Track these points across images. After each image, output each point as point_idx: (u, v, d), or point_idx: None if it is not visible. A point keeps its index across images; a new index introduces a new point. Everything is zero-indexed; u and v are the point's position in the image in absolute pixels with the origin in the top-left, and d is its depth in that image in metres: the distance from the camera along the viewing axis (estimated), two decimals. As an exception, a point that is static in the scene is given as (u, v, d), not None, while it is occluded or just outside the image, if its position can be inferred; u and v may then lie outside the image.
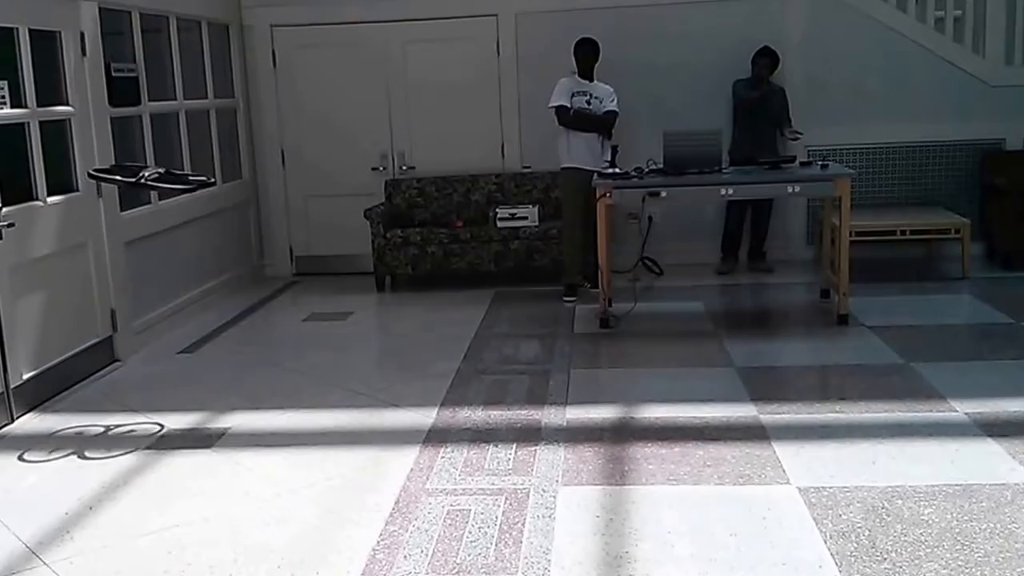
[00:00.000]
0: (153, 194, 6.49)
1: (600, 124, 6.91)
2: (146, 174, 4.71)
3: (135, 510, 3.82)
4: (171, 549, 3.46)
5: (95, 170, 5.04)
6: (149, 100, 6.50)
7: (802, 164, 6.31)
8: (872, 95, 7.78)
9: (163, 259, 6.61)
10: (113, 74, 6.00)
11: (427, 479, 3.96)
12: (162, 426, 4.74)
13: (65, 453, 4.44)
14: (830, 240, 6.58)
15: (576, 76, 6.96)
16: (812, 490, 3.71)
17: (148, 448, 4.45)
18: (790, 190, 6.07)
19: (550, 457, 4.14)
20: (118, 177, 4.91)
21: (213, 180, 5.70)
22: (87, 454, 4.41)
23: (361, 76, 8.11)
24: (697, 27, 7.79)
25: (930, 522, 3.42)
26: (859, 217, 6.91)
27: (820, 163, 6.27)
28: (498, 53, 8.02)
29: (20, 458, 4.41)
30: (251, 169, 8.28)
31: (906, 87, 7.77)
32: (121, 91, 6.10)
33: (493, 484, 3.89)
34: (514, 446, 4.28)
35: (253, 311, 7.25)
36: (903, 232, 7.25)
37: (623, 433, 4.40)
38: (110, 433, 4.71)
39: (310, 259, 8.42)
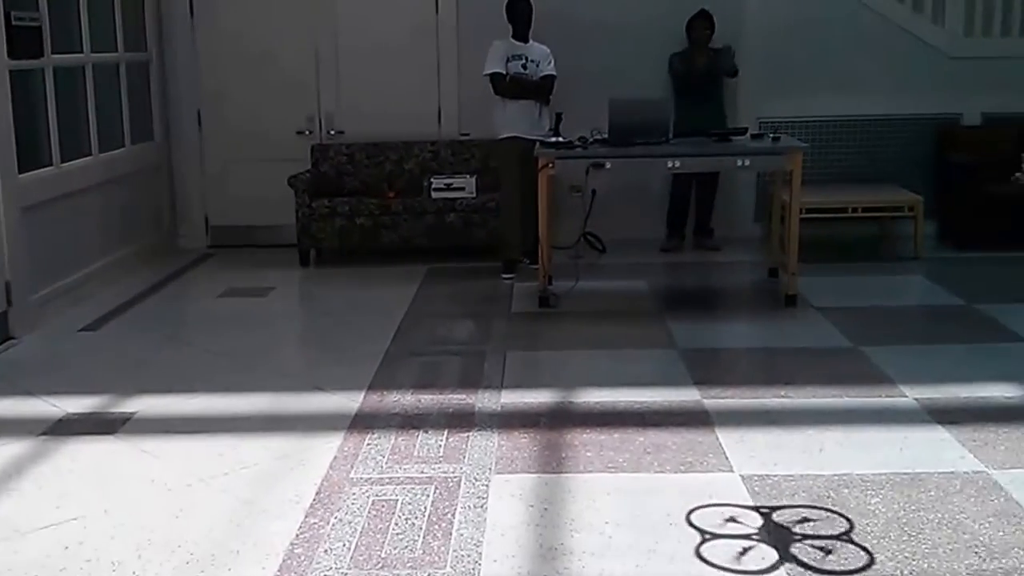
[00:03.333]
0: (56, 155, 6.33)
1: (538, 90, 6.89)
2: None
3: (30, 502, 3.72)
4: (69, 544, 3.38)
5: None
6: (53, 52, 6.30)
7: (753, 136, 6.35)
8: (827, 65, 7.86)
9: (65, 227, 6.44)
10: (13, 23, 5.80)
11: (351, 467, 3.92)
12: (61, 410, 4.63)
13: (-46, 438, 4.32)
14: (779, 217, 6.66)
15: (510, 38, 6.92)
16: (756, 478, 3.75)
17: (44, 434, 4.34)
18: (740, 163, 6.12)
19: (483, 444, 4.14)
20: None
21: None
22: (-22, 440, 4.29)
23: (286, 31, 7.97)
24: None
25: (877, 512, 3.48)
26: (810, 193, 6.97)
27: (772, 136, 6.32)
28: (437, 10, 7.93)
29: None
30: (164, 130, 8.10)
31: (862, 58, 7.86)
32: (22, 42, 5.90)
33: (422, 472, 3.87)
34: (445, 432, 4.26)
35: (164, 285, 7.12)
36: (855, 209, 7.38)
37: (560, 418, 4.41)
38: (2, 418, 4.58)
39: (228, 229, 8.28)
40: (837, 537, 3.33)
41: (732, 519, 3.46)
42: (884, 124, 7.99)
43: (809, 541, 3.31)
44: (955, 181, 7.55)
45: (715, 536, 3.36)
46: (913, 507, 3.51)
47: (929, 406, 4.46)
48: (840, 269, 7.08)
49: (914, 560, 3.16)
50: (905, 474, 3.77)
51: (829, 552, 3.24)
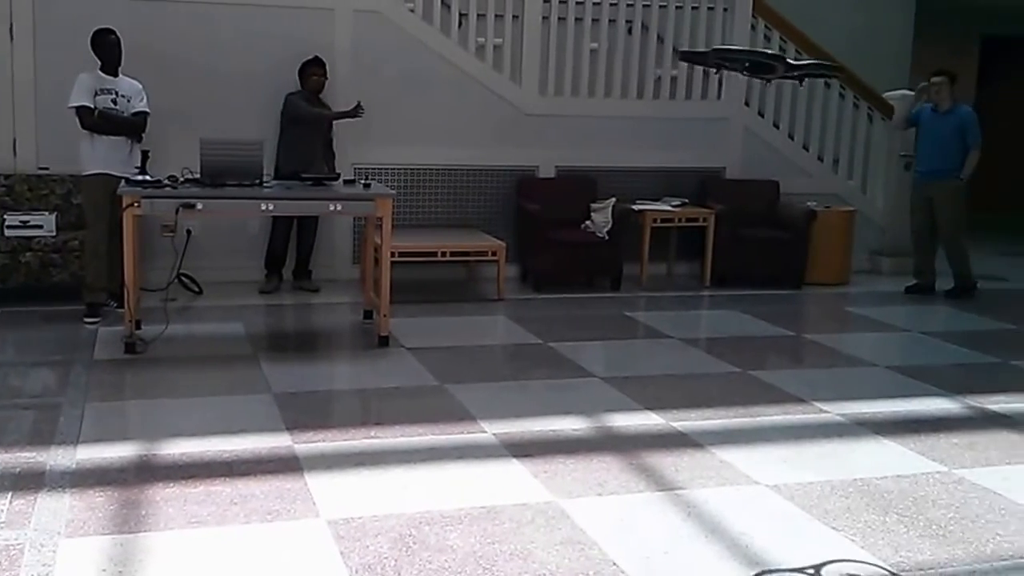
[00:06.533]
0: None
1: (130, 127, 6.54)
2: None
3: None
4: None
5: (685, 52, 4.00)
6: None
7: (346, 182, 6.41)
8: (417, 116, 8.11)
9: None
10: None
11: None
12: None
13: None
14: (373, 260, 6.76)
15: (98, 71, 6.51)
16: (342, 522, 3.73)
17: None
18: (332, 208, 6.14)
19: (53, 506, 3.77)
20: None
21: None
22: None
23: None
24: (242, 32, 7.63)
25: (455, 547, 3.57)
26: (402, 237, 7.17)
27: (363, 182, 6.40)
28: (12, 36, 7.26)
29: None
30: None
31: (450, 110, 8.21)
32: None
33: (-22, 542, 3.46)
34: (9, 495, 3.85)
35: None
36: (444, 253, 7.64)
37: (142, 474, 4.14)
38: None
39: None
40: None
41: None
42: (471, 174, 8.38)
43: None
44: (532, 228, 8.08)
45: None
46: (488, 540, 3.64)
47: (506, 440, 4.68)
48: (430, 310, 7.31)
49: (487, 592, 3.28)
50: (482, 508, 3.91)
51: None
